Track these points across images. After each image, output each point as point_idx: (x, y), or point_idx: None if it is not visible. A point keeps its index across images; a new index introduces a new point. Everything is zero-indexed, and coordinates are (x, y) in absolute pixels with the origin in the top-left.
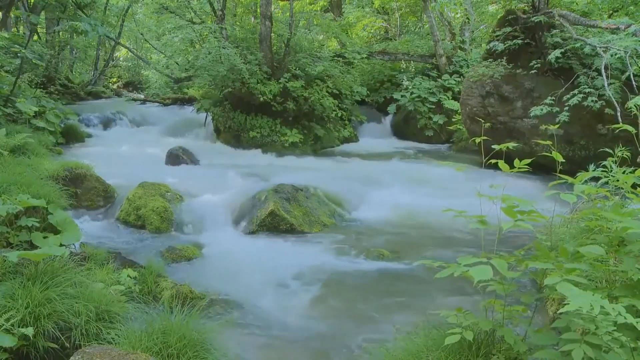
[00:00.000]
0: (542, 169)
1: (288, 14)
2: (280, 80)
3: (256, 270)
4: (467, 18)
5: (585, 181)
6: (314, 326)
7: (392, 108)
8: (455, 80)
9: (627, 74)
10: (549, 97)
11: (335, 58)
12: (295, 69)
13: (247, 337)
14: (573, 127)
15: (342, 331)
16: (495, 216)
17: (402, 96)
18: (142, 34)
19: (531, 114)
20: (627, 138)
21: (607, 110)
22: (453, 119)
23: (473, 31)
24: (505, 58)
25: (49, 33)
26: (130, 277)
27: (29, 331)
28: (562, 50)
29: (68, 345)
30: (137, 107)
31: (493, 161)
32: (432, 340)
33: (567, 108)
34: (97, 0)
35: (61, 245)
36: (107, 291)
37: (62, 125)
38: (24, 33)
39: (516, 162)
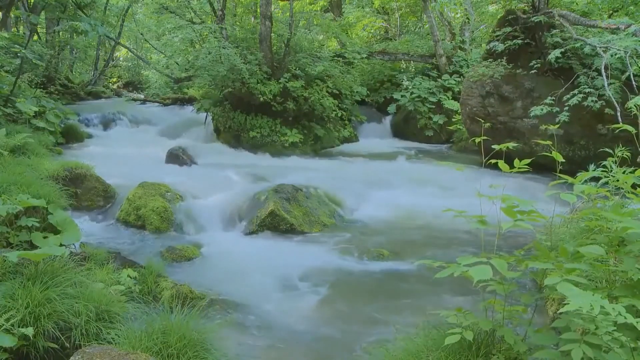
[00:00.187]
0: (542, 169)
1: (288, 14)
2: (280, 80)
3: (256, 271)
4: (467, 18)
5: (585, 181)
6: (314, 326)
7: (392, 108)
8: (455, 80)
9: (627, 74)
10: (549, 97)
11: (335, 58)
12: (295, 69)
13: (247, 337)
14: (573, 127)
15: (342, 331)
16: (496, 216)
17: (402, 96)
18: (142, 34)
19: (531, 114)
20: (627, 138)
21: (607, 110)
22: (453, 119)
23: (473, 31)
24: (505, 58)
25: (49, 33)
26: (130, 277)
27: (29, 331)
28: (562, 50)
29: (68, 345)
30: (137, 107)
31: (493, 161)
32: (432, 340)
33: (567, 108)
34: (97, 0)
35: (61, 245)
36: (107, 291)
37: (62, 125)
38: (24, 33)
39: (516, 162)
